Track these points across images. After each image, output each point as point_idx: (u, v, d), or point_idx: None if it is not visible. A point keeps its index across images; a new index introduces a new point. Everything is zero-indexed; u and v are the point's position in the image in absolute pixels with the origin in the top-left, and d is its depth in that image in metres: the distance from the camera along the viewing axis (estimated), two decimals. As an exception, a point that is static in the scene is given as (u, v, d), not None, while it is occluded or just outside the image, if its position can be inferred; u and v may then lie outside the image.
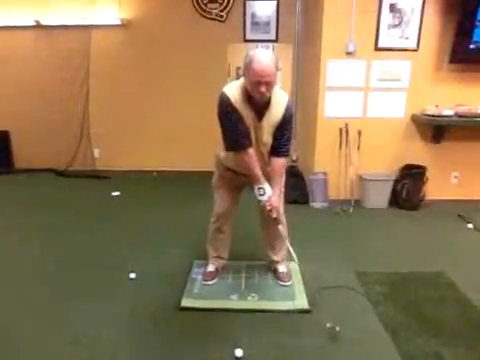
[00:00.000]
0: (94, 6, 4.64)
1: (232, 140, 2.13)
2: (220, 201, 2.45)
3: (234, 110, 2.05)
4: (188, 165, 5.04)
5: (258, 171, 2.15)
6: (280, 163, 2.23)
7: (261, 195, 2.16)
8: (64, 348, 1.99)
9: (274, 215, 2.19)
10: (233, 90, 2.08)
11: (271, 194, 2.18)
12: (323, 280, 2.59)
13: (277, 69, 1.99)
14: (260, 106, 2.08)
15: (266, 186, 2.17)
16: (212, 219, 2.53)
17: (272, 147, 2.21)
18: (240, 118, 2.06)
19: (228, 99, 2.05)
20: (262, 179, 2.16)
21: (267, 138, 2.17)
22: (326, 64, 3.78)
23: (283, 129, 2.16)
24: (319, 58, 3.80)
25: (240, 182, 2.39)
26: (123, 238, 3.27)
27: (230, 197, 2.43)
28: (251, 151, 2.12)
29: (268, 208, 2.17)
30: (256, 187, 2.17)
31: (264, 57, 1.94)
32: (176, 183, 4.78)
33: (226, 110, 2.06)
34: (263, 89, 1.94)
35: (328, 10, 3.66)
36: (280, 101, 2.14)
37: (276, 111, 2.13)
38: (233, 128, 2.08)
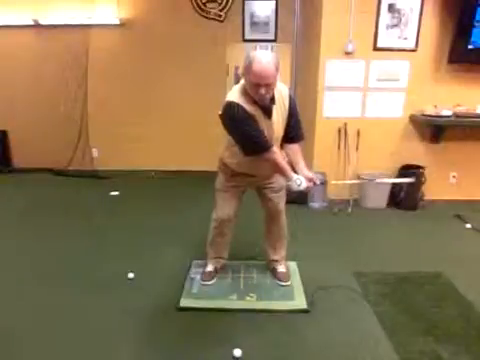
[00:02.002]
0: (93, 6, 4.63)
1: (253, 144, 2.07)
2: (223, 206, 2.42)
3: (247, 114, 2.01)
4: (187, 165, 5.04)
5: (286, 165, 2.15)
6: (299, 146, 2.29)
7: (299, 185, 2.13)
8: (63, 348, 1.99)
9: (318, 182, 2.21)
10: (238, 96, 2.04)
11: (304, 177, 2.16)
12: (322, 280, 2.59)
13: (278, 70, 1.96)
14: (266, 104, 2.07)
15: (298, 176, 2.15)
16: (213, 224, 2.50)
17: (287, 136, 2.23)
18: (255, 120, 2.04)
19: (238, 106, 2.01)
20: (291, 172, 2.15)
21: (278, 133, 2.18)
22: (325, 64, 3.78)
23: (293, 117, 2.20)
24: (318, 58, 3.80)
25: (247, 184, 2.38)
26: (121, 238, 3.26)
27: (234, 201, 2.41)
28: (275, 148, 2.10)
29: (312, 184, 2.17)
30: (292, 180, 2.13)
31: (264, 59, 1.91)
32: (175, 183, 4.78)
33: (239, 117, 2.01)
34: (263, 91, 1.94)
35: (327, 10, 3.66)
36: (283, 95, 2.15)
37: (282, 105, 2.14)
38: (252, 132, 2.03)
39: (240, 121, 2.02)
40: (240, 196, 2.43)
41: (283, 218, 2.55)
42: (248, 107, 2.01)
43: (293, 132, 2.24)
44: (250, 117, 2.02)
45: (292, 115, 2.20)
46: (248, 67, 1.92)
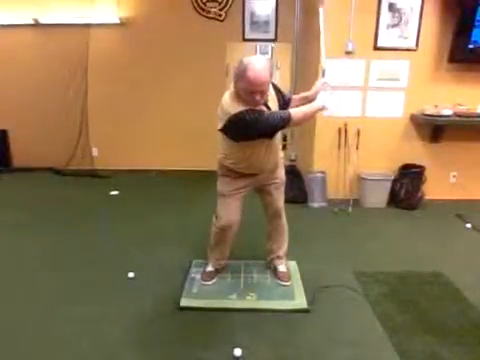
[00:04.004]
0: (93, 5, 4.63)
1: (277, 126, 2.08)
2: (227, 212, 2.39)
3: (257, 111, 2.00)
4: (187, 164, 5.05)
5: (309, 107, 2.19)
6: (295, 96, 2.42)
7: (329, 97, 2.19)
8: (63, 348, 1.99)
9: (323, 77, 2.32)
10: (237, 105, 2.01)
11: (318, 92, 2.23)
12: (322, 280, 2.59)
13: (271, 75, 1.98)
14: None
15: (319, 97, 2.21)
16: (216, 230, 2.48)
17: (283, 106, 2.26)
18: (263, 111, 2.04)
19: (246, 111, 1.98)
20: (313, 104, 2.20)
21: None
22: (325, 63, 3.77)
23: (279, 92, 2.27)
24: (318, 57, 3.78)
25: (252, 183, 2.38)
26: (121, 237, 3.26)
27: (237, 207, 2.40)
28: (292, 110, 2.14)
29: (324, 84, 2.26)
30: (322, 104, 2.19)
31: (258, 65, 1.90)
32: (175, 182, 4.78)
33: (254, 119, 1.98)
34: (258, 97, 1.95)
35: (327, 9, 3.64)
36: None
37: (271, 97, 2.15)
38: (271, 120, 2.03)
39: (257, 120, 2.00)
40: (242, 200, 2.42)
41: (284, 215, 2.57)
42: (251, 107, 2.01)
43: (286, 100, 2.32)
44: (260, 111, 2.01)
45: (280, 95, 2.25)
46: (242, 74, 1.91)
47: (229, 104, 2.05)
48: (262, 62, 1.94)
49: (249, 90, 1.93)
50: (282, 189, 2.50)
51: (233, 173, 2.31)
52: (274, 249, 2.64)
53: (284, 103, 2.29)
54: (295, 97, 2.40)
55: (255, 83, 1.90)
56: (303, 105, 2.25)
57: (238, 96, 2.02)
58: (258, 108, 2.02)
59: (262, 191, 2.46)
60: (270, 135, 2.15)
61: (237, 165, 2.26)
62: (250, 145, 2.14)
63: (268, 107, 2.11)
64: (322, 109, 2.22)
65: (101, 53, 4.86)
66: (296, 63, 4.69)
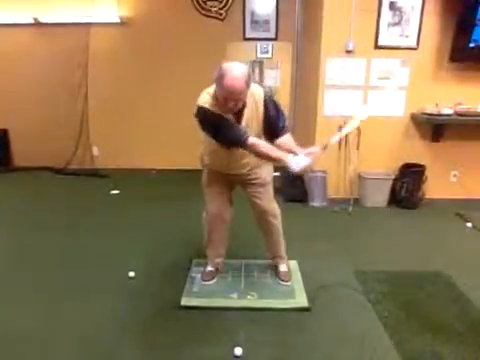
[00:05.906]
0: (93, 4, 4.63)
1: (229, 138, 2.05)
2: (212, 200, 2.42)
3: (218, 116, 2.01)
4: (188, 163, 5.02)
5: (275, 151, 2.05)
6: (289, 137, 2.20)
7: (298, 163, 1.99)
8: (62, 346, 1.99)
9: (316, 150, 2.10)
10: (209, 100, 2.04)
11: (303, 154, 2.04)
12: (322, 279, 2.59)
13: (248, 85, 1.95)
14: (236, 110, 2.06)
15: (295, 155, 2.02)
16: (206, 221, 2.50)
17: (271, 133, 2.18)
18: (226, 119, 2.03)
19: (208, 110, 2.02)
20: (284, 154, 2.03)
21: (252, 132, 2.12)
22: (325, 62, 3.77)
23: (274, 114, 2.16)
24: (318, 56, 3.79)
25: (230, 181, 2.39)
26: (122, 236, 3.26)
27: (222, 195, 2.42)
28: (252, 139, 2.02)
29: (313, 156, 2.07)
30: (289, 161, 2.00)
31: (235, 74, 1.90)
32: (176, 181, 4.78)
33: (211, 119, 2.02)
34: (231, 105, 1.95)
35: (328, 8, 3.65)
36: (257, 99, 2.12)
37: (254, 109, 2.12)
38: (226, 129, 2.02)
39: (213, 124, 2.02)
40: (227, 191, 2.43)
41: (276, 217, 2.49)
42: (217, 110, 2.02)
43: (277, 129, 2.18)
44: (221, 118, 2.01)
45: (269, 116, 2.15)
46: (219, 80, 1.92)
47: (204, 95, 2.10)
48: (240, 70, 1.92)
49: (224, 96, 1.94)
50: (267, 189, 2.42)
51: (212, 168, 2.35)
52: (273, 249, 2.63)
53: (276, 129, 2.17)
54: (284, 139, 2.18)
55: (231, 91, 1.90)
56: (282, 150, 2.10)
57: (214, 97, 2.04)
58: (226, 115, 2.02)
59: (245, 190, 2.44)
60: (224, 145, 2.11)
61: (207, 157, 2.31)
62: (213, 142, 2.14)
63: (240, 115, 2.08)
64: (285, 164, 2.02)
65: (101, 52, 4.86)
66: (296, 62, 4.69)
